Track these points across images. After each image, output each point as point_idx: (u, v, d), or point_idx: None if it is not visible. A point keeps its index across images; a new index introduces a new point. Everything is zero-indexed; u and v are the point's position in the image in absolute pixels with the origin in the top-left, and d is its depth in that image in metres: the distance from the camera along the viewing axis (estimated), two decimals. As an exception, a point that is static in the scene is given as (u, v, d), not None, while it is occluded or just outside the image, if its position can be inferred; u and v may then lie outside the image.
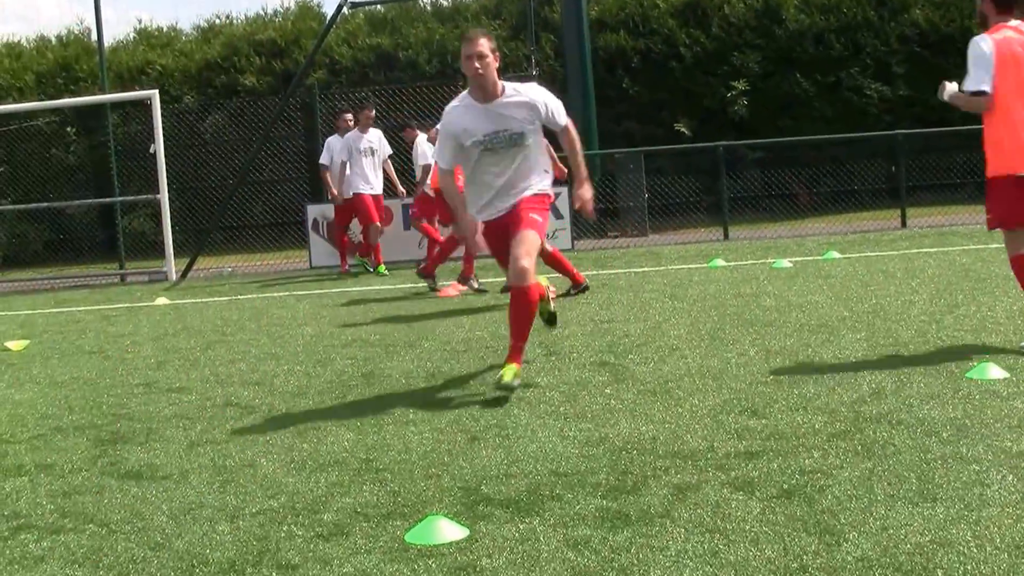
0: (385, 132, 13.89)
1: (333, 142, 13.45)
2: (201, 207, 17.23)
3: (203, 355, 7.63)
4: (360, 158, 13.11)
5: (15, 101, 19.23)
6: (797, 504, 3.59)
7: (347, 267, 13.70)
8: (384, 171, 13.48)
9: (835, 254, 11.51)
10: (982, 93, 5.80)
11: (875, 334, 6.55)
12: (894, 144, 15.93)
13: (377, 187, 13.32)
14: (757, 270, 10.52)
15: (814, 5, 18.78)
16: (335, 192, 13.32)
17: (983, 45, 5.79)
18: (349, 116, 13.40)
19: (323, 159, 13.57)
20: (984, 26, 5.98)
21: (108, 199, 16.60)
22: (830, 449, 4.19)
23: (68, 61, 21.20)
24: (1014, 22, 5.88)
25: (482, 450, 4.54)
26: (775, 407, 4.92)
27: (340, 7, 16.91)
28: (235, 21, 22.59)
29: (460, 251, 10.69)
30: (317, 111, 17.09)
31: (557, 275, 9.08)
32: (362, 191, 13.15)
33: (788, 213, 16.86)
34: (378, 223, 13.31)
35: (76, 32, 22.57)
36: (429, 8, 21.10)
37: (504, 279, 9.16)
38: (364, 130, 13.20)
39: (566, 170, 8.59)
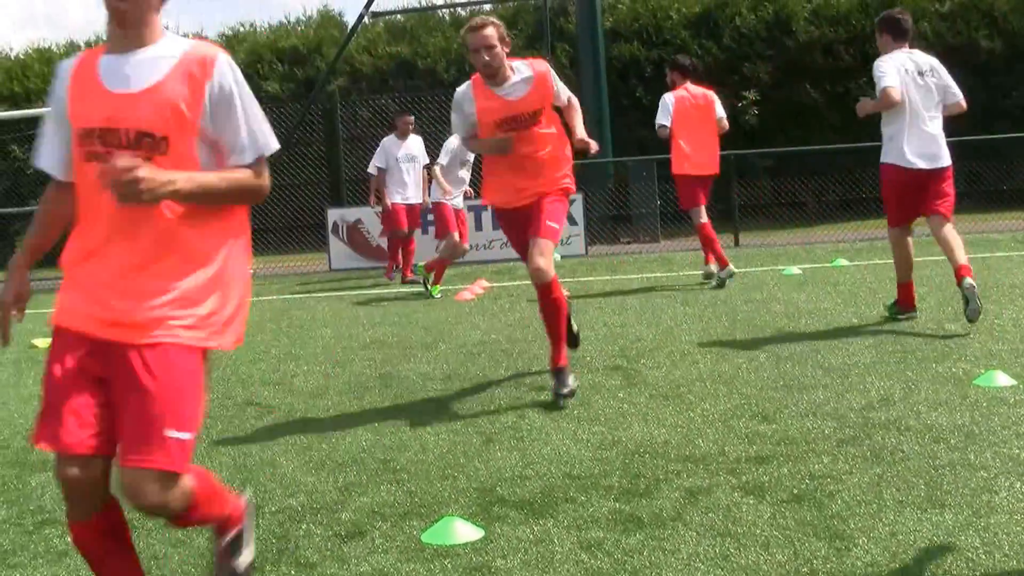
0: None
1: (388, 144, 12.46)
2: (224, 210, 17.39)
3: (224, 355, 7.68)
4: (397, 166, 12.26)
5: (45, 105, 19.39)
6: (807, 509, 3.63)
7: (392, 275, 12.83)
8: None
9: (844, 261, 11.54)
10: (664, 126, 9.79)
11: (883, 341, 6.59)
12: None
13: (413, 197, 12.30)
14: (767, 277, 10.56)
15: (823, 17, 18.82)
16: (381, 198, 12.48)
17: (666, 98, 9.84)
18: (411, 119, 12.43)
19: (378, 162, 12.46)
20: (672, 88, 9.92)
21: (135, 202, 16.78)
22: (839, 455, 4.23)
23: (96, 67, 21.37)
24: (689, 85, 9.88)
25: (497, 452, 4.60)
26: (785, 412, 4.96)
27: (361, 16, 17.05)
28: (259, 29, 22.70)
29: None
30: (338, 117, 17.36)
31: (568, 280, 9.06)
32: (396, 200, 12.22)
33: (797, 221, 16.88)
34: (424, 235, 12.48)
35: (104, 39, 22.72)
36: (447, 18, 21.20)
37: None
38: (403, 137, 12.28)
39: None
